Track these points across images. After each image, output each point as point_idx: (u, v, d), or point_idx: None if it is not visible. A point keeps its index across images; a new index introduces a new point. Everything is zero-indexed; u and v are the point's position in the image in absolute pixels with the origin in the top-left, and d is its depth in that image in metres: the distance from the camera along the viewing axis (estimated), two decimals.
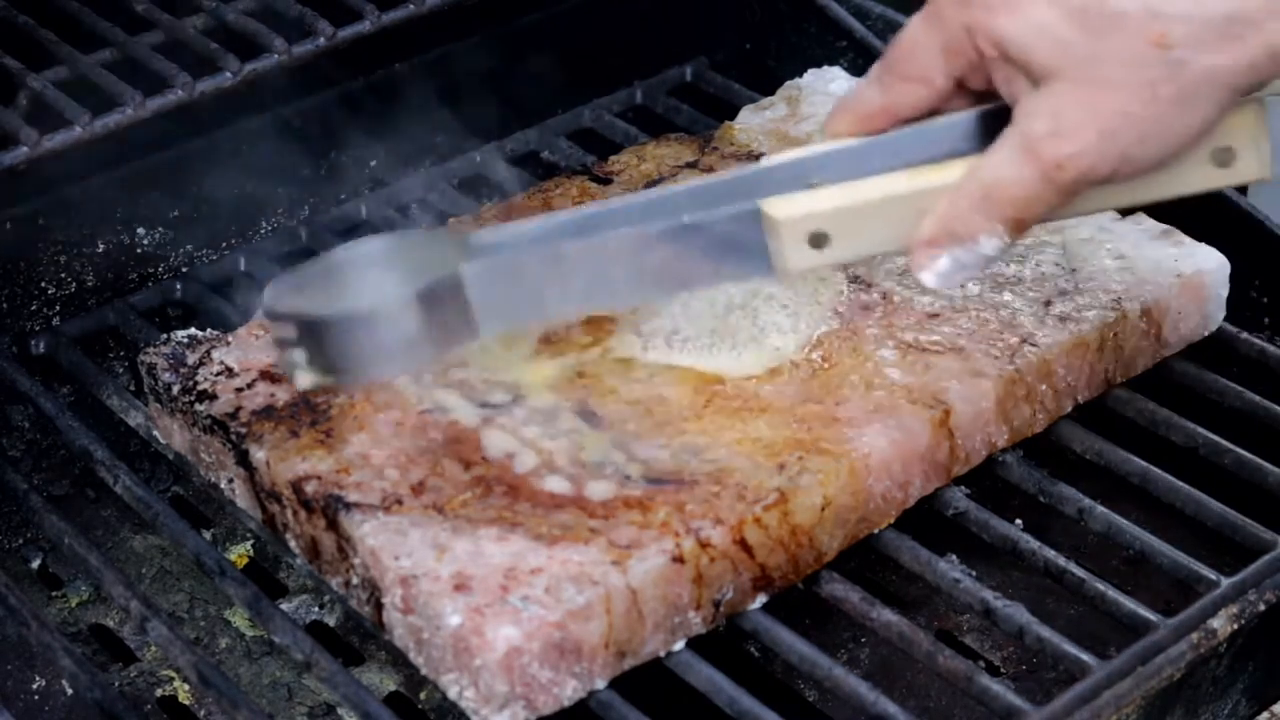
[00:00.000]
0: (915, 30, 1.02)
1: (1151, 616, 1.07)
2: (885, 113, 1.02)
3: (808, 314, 1.20)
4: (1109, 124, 0.95)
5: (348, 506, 1.07)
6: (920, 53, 1.01)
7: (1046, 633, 1.07)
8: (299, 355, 1.01)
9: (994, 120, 0.99)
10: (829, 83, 1.44)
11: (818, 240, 1.00)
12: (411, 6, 1.41)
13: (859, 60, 1.55)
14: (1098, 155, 0.95)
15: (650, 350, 1.17)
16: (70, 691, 1.22)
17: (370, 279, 1.02)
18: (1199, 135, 0.96)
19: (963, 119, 1.01)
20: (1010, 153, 0.97)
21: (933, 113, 1.02)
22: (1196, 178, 1.00)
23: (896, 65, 1.02)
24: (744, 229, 1.00)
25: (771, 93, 1.45)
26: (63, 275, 1.37)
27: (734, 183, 1.02)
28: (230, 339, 1.20)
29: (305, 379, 1.01)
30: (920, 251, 1.00)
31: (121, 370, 1.40)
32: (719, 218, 1.00)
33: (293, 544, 1.12)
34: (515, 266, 1.00)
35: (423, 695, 1.25)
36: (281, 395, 1.15)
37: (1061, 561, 1.11)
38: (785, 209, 1.00)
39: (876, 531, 1.13)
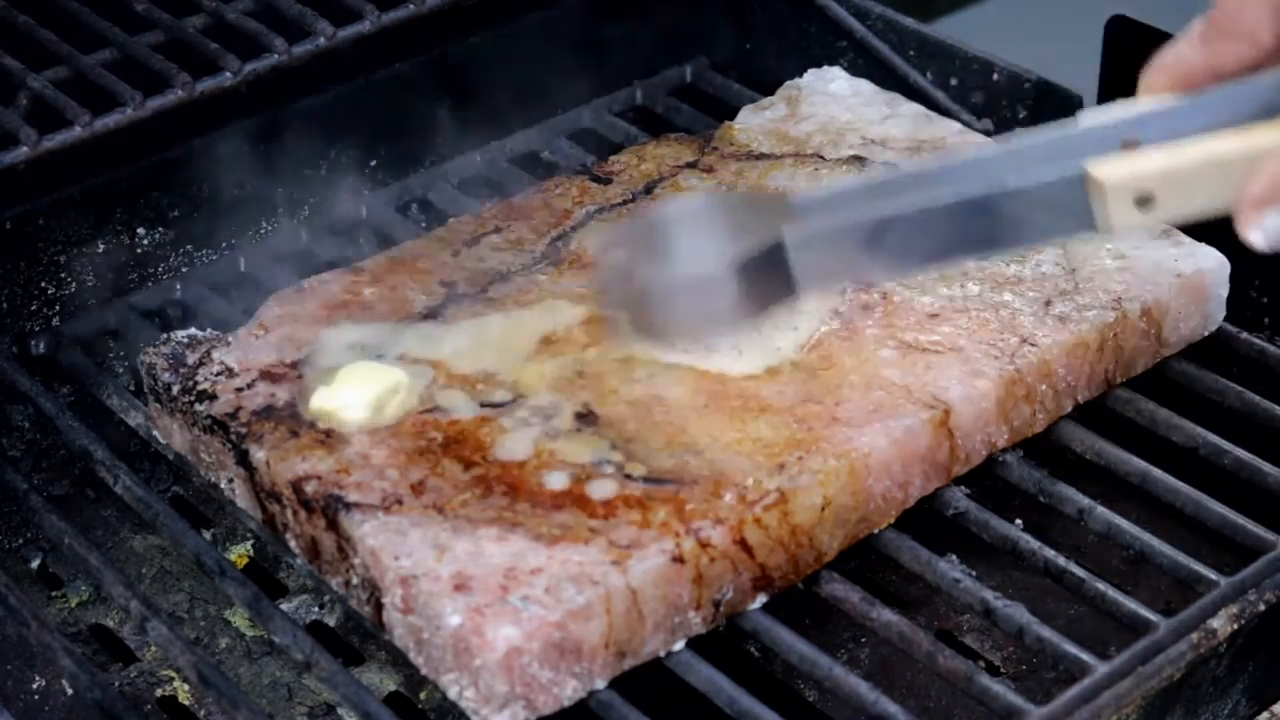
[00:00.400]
0: None
1: (1151, 616, 1.07)
2: (1207, 71, 1.01)
3: (808, 314, 1.20)
4: None
5: (348, 506, 1.07)
6: (1249, 8, 0.99)
7: (1046, 633, 1.07)
8: (623, 317, 1.02)
9: None
10: (829, 83, 1.44)
11: (1143, 201, 0.99)
12: (411, 6, 1.41)
13: (859, 60, 1.55)
14: None
15: (650, 350, 1.17)
16: (70, 691, 1.22)
17: (694, 242, 1.02)
18: None
19: None
20: None
21: (1255, 71, 1.01)
22: None
23: (1222, 22, 1.00)
24: (1068, 191, 1.00)
25: (771, 93, 1.45)
26: (63, 275, 1.37)
27: (1056, 144, 1.02)
28: (230, 339, 1.20)
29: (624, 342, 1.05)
30: (1248, 212, 0.98)
31: (121, 370, 1.40)
32: (1042, 181, 1.00)
33: (293, 544, 1.12)
34: (836, 230, 1.01)
35: (423, 695, 1.25)
36: (282, 395, 1.15)
37: (1061, 561, 1.11)
38: (1111, 171, 0.99)
39: (876, 531, 1.13)
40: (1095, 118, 1.02)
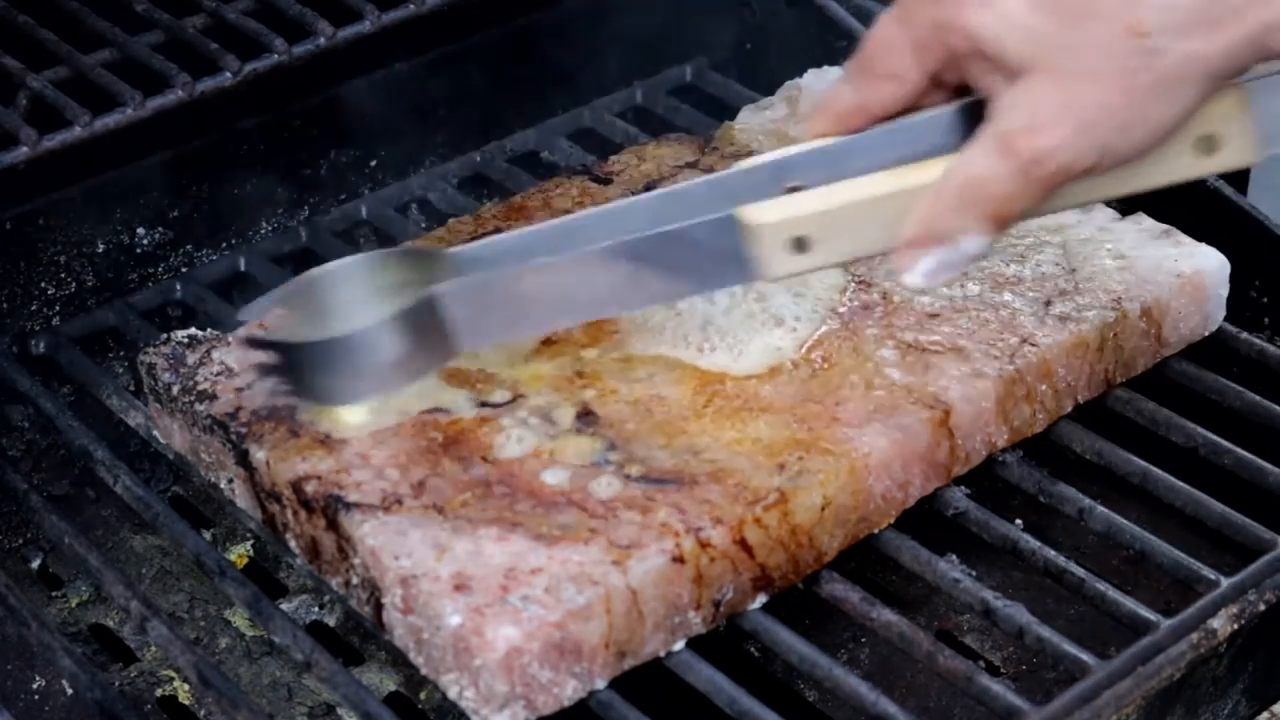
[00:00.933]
0: (885, 27, 1.00)
1: (1151, 616, 1.07)
2: (861, 111, 1.00)
3: (808, 314, 1.20)
4: (1087, 115, 0.93)
5: (348, 506, 1.07)
6: (892, 50, 1.00)
7: (1046, 633, 1.07)
8: (278, 381, 1.02)
9: (974, 114, 0.98)
10: (829, 83, 1.44)
11: (799, 245, 0.98)
12: (411, 6, 1.41)
13: None
14: (1076, 148, 0.93)
15: (650, 350, 1.17)
16: (70, 691, 1.22)
17: (346, 301, 1.02)
18: (1180, 123, 0.94)
19: (942, 114, 1.00)
20: (987, 149, 0.95)
21: (910, 109, 1.00)
22: (1181, 166, 0.98)
23: (869, 63, 1.01)
24: (722, 236, 0.98)
25: (771, 93, 1.45)
26: (63, 275, 1.37)
27: (710, 188, 1.01)
28: (230, 339, 1.20)
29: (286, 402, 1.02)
30: (903, 253, 0.98)
31: (121, 370, 1.40)
32: (695, 226, 0.99)
33: (293, 544, 1.12)
34: (490, 284, 0.99)
35: (423, 695, 1.25)
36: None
37: (1061, 561, 1.11)
38: (763, 215, 0.98)
39: (876, 531, 1.13)
40: (754, 160, 1.01)
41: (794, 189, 1.00)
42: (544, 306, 1.01)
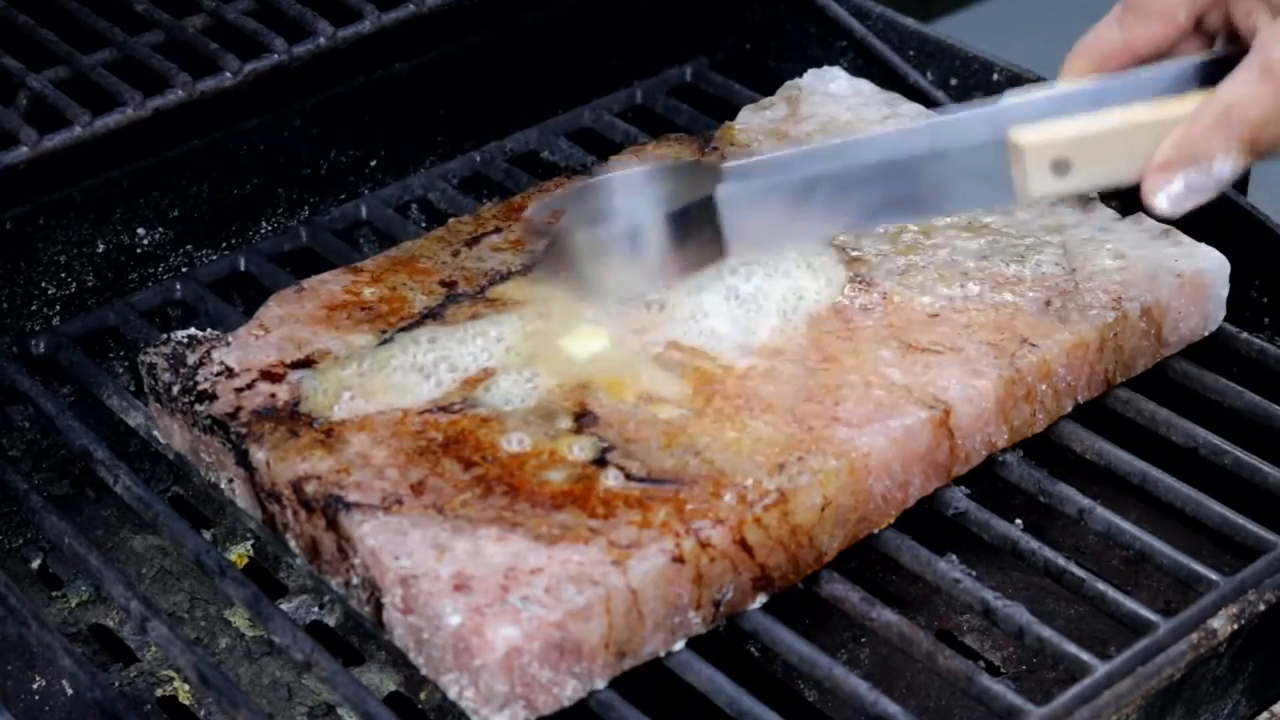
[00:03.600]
0: None
1: (1151, 616, 1.07)
2: (1125, 50, 1.08)
3: (808, 313, 1.20)
4: None
5: (348, 506, 1.07)
6: None
7: (1046, 633, 1.07)
8: (555, 271, 1.07)
9: (1228, 66, 1.02)
10: (829, 83, 1.44)
11: (1060, 167, 1.03)
12: (412, 6, 1.41)
13: (859, 60, 1.55)
14: None
15: (650, 349, 1.17)
16: (70, 691, 1.22)
17: (624, 207, 1.07)
18: None
19: (1198, 61, 1.05)
20: (1250, 75, 1.00)
21: (1167, 54, 1.07)
22: None
23: (1139, 3, 1.07)
24: (987, 156, 1.04)
25: (771, 93, 1.45)
26: (63, 275, 1.37)
27: (979, 115, 1.06)
28: (230, 339, 1.20)
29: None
30: (1154, 176, 1.02)
31: (121, 370, 1.40)
32: (964, 144, 1.04)
33: (293, 544, 1.12)
34: (767, 190, 1.05)
35: (423, 695, 1.25)
36: (281, 395, 1.15)
37: (1061, 561, 1.11)
38: (1029, 136, 1.03)
39: (876, 531, 1.13)
40: (1019, 98, 1.06)
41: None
42: (815, 216, 1.06)
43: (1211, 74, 1.04)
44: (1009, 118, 1.04)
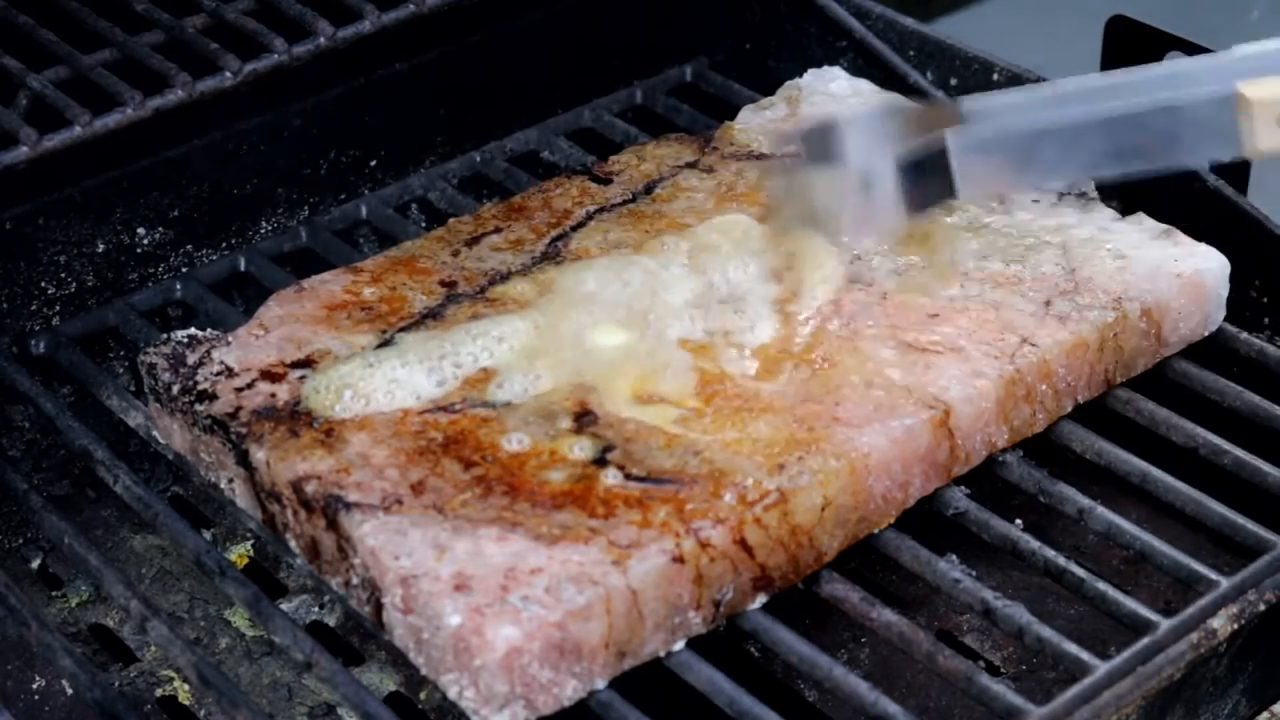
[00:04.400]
0: None
1: (1151, 616, 1.07)
2: None
3: (808, 313, 1.20)
4: None
5: (348, 506, 1.07)
6: None
7: (1046, 633, 1.07)
8: (790, 210, 1.10)
9: None
10: (829, 83, 1.44)
11: None
12: (412, 6, 1.41)
13: (859, 60, 1.55)
14: None
15: (651, 349, 1.17)
16: (70, 691, 1.22)
17: (862, 142, 1.09)
18: None
19: None
20: None
21: None
22: None
23: None
24: (1218, 109, 1.04)
25: (771, 93, 1.45)
26: (63, 275, 1.37)
27: (1211, 67, 1.07)
28: (230, 339, 1.20)
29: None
30: None
31: (121, 370, 1.40)
32: (1194, 98, 1.05)
33: (293, 544, 1.12)
34: (998, 136, 1.07)
35: (423, 695, 1.25)
36: (282, 395, 1.15)
37: (1061, 561, 1.11)
38: (1261, 90, 1.03)
39: (876, 531, 1.13)
40: (1252, 48, 1.07)
41: None
42: (1043, 163, 1.08)
43: None
44: (1240, 71, 1.05)
